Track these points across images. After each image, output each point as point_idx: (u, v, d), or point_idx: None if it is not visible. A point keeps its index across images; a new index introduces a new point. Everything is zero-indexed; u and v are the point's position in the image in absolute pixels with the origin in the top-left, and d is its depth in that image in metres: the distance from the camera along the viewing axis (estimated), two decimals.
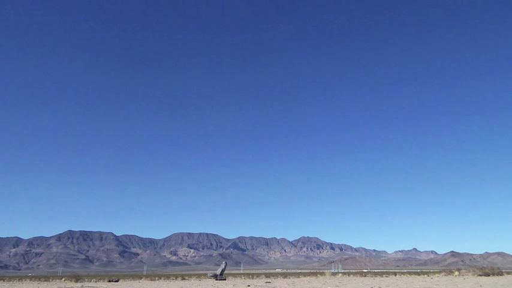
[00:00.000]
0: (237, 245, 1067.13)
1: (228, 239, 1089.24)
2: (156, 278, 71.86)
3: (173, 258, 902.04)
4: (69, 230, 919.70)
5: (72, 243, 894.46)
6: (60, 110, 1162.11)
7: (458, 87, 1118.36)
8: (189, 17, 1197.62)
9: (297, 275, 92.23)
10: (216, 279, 54.55)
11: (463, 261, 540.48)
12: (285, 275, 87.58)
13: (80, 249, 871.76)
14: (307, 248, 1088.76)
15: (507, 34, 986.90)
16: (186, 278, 73.37)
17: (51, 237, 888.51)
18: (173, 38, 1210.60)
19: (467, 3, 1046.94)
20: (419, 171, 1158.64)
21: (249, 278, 72.02)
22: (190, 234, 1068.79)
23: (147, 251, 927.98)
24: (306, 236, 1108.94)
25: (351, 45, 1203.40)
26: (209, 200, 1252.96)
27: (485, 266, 60.14)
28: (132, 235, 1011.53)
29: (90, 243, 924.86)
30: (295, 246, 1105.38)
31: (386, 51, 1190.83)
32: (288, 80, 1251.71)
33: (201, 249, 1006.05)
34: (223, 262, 57.85)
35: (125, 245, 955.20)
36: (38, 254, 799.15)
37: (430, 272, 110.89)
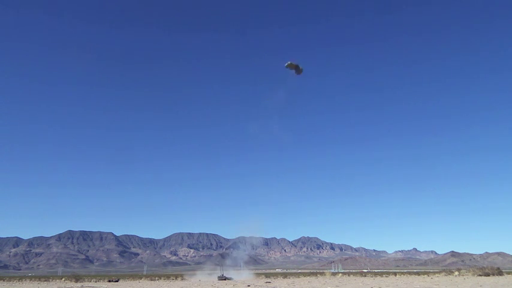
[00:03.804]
0: (237, 245, 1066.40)
1: (228, 239, 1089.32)
2: (156, 278, 71.80)
3: (173, 258, 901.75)
4: (69, 230, 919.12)
5: (72, 243, 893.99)
6: (60, 110, 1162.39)
7: (458, 87, 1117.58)
8: (189, 17, 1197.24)
9: (297, 275, 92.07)
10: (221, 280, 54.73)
11: (463, 261, 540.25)
12: (285, 275, 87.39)
13: (80, 249, 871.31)
14: (307, 248, 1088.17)
15: (507, 34, 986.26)
16: (186, 278, 73.41)
17: (51, 237, 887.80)
18: (173, 38, 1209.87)
19: (467, 3, 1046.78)
20: (419, 171, 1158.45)
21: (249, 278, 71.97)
22: (190, 234, 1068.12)
23: (147, 251, 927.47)
24: (306, 236, 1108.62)
25: (351, 45, 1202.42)
26: (209, 200, 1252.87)
27: (485, 266, 60.07)
28: (132, 235, 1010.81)
29: (90, 243, 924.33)
30: (295, 246, 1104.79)
31: (387, 51, 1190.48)
32: (288, 79, 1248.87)
33: (201, 249, 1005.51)
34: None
35: (125, 245, 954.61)
36: (38, 254, 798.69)
37: (430, 272, 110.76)
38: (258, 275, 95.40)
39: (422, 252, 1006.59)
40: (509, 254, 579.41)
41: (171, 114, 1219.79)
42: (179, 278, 70.40)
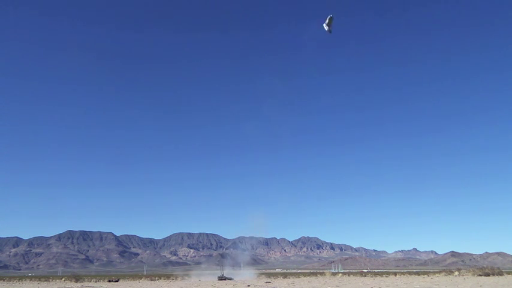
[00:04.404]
0: (237, 245, 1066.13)
1: (228, 239, 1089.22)
2: (156, 278, 71.77)
3: (173, 258, 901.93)
4: (69, 230, 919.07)
5: (72, 243, 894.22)
6: (60, 110, 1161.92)
7: (458, 87, 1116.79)
8: (189, 17, 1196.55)
9: (297, 275, 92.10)
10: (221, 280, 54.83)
11: (463, 261, 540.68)
12: (285, 275, 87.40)
13: (80, 249, 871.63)
14: (307, 248, 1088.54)
15: (507, 34, 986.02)
16: (186, 278, 73.40)
17: (51, 237, 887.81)
18: (173, 38, 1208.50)
19: (468, 3, 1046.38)
20: (419, 171, 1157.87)
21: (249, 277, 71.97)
22: (190, 234, 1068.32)
23: (147, 251, 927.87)
24: (306, 236, 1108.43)
25: (350, 45, 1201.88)
26: (209, 200, 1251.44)
27: (485, 266, 60.06)
28: (132, 235, 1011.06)
29: (90, 243, 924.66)
30: (295, 246, 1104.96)
31: (386, 51, 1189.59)
32: (288, 79, 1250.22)
33: (201, 249, 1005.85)
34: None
35: (125, 245, 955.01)
36: (38, 254, 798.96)
37: (430, 272, 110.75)
38: (258, 275, 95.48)
39: (422, 252, 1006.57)
40: (509, 254, 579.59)
41: (172, 114, 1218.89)
42: (179, 278, 70.49)
